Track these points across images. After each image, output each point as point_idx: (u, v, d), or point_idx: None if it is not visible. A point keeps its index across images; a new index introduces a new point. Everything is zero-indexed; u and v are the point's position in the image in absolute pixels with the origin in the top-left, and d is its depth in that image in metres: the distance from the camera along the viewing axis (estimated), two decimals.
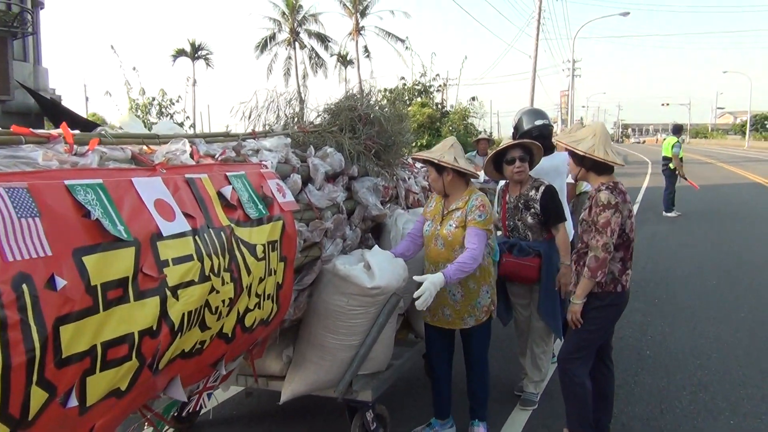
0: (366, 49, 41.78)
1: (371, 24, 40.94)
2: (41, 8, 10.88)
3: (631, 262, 3.24)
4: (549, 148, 4.30)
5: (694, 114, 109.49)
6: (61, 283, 1.62)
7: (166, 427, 3.56)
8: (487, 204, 3.33)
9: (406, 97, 22.00)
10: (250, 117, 3.82)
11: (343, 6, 40.33)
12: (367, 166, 3.68)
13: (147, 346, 1.91)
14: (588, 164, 3.22)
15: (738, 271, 7.79)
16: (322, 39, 42.99)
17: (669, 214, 12.55)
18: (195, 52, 46.39)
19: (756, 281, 7.25)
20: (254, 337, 2.72)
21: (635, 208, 12.02)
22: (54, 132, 2.07)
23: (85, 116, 6.90)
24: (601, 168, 3.21)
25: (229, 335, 2.44)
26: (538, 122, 4.30)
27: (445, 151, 3.37)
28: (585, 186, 5.39)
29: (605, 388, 3.44)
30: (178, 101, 19.95)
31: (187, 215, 2.17)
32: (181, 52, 45.91)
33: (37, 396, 1.56)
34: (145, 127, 2.91)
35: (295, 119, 3.90)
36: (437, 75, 24.14)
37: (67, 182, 1.78)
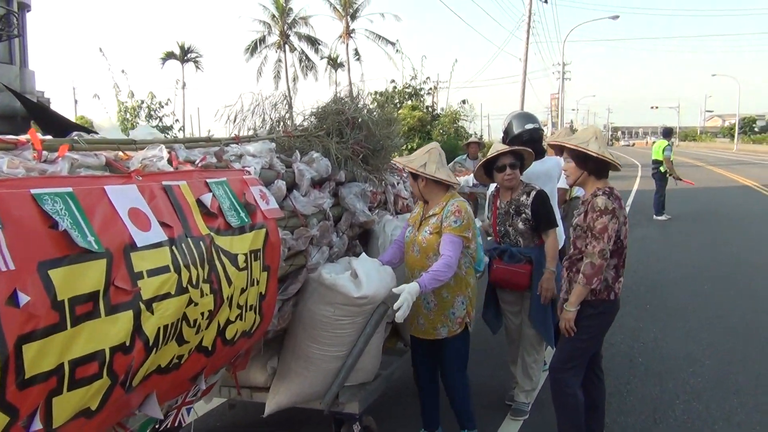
0: (356, 52, 41.80)
1: (361, 27, 40.89)
2: (28, 11, 10.74)
3: (624, 269, 3.17)
4: (540, 152, 4.25)
5: (683, 117, 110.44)
6: (24, 299, 1.52)
7: None
8: (465, 210, 3.22)
9: (397, 100, 21.96)
10: (235, 121, 3.74)
11: (333, 9, 40.27)
12: (354, 171, 3.60)
13: (119, 363, 1.81)
14: (592, 167, 3.11)
15: (731, 274, 7.75)
16: (313, 42, 42.92)
17: (659, 218, 12.55)
18: (184, 54, 46.17)
19: (750, 284, 7.20)
20: (236, 350, 2.63)
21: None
22: (22, 138, 1.97)
23: (73, 119, 6.78)
24: (602, 171, 3.13)
25: (209, 348, 2.35)
26: (529, 126, 4.26)
27: (420, 156, 3.31)
28: (576, 191, 5.34)
29: (596, 398, 3.37)
30: (167, 104, 19.92)
31: (163, 224, 2.08)
32: (170, 55, 45.71)
33: None
34: (132, 129, 2.83)
35: (281, 123, 3.82)
36: (428, 78, 24.18)
37: (33, 191, 1.68)
